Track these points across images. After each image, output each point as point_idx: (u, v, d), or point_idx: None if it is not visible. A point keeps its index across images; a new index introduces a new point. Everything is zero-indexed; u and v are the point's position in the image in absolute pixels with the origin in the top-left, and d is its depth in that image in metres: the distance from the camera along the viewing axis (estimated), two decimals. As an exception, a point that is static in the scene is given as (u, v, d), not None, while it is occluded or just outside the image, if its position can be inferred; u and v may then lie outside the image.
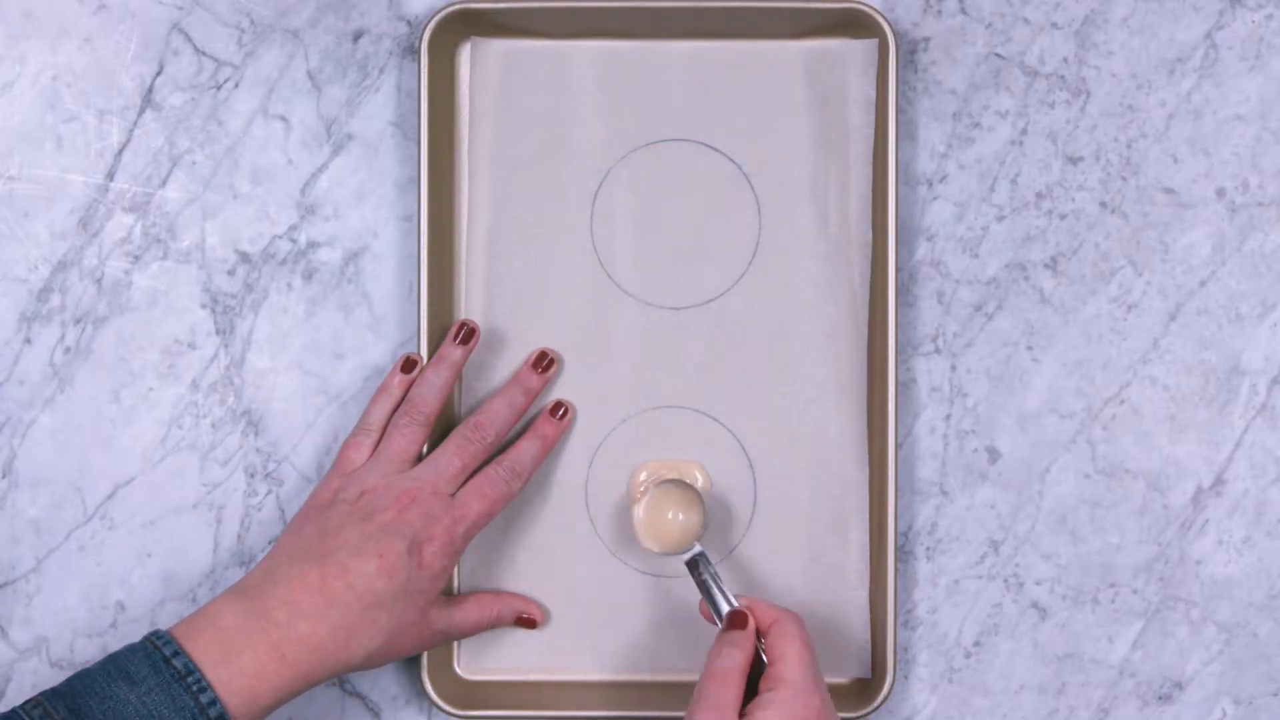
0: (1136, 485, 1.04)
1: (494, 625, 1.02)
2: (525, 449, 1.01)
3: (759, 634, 0.94)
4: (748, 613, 0.94)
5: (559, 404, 1.03)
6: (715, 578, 0.96)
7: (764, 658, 0.93)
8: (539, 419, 1.02)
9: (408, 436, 0.98)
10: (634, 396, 1.03)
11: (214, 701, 0.87)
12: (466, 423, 0.99)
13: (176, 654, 0.88)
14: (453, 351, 1.01)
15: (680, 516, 1.00)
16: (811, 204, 1.03)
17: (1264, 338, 1.04)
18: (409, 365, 1.01)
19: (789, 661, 0.91)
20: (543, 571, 1.04)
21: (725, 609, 0.95)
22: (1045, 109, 1.04)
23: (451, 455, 0.98)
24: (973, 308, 1.04)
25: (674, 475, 1.02)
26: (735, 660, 0.92)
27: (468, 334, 1.01)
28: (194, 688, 0.87)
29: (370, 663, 0.94)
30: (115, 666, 0.88)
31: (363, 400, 1.04)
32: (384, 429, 1.00)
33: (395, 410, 1.00)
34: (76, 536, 1.04)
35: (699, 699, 0.90)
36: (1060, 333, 1.04)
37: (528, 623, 1.03)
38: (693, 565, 0.97)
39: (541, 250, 1.03)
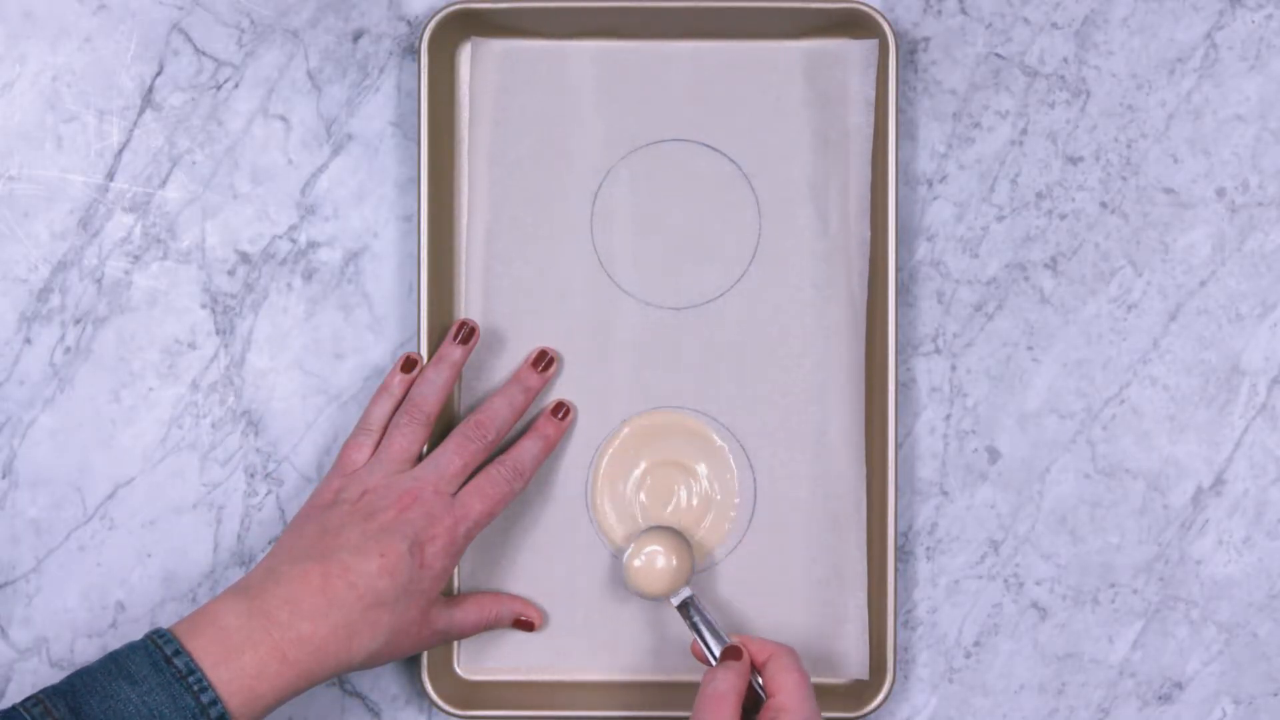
0: (1136, 485, 1.04)
1: (492, 626, 1.02)
2: (527, 449, 1.01)
3: (755, 669, 0.95)
4: (742, 647, 0.95)
5: (560, 404, 1.03)
6: (706, 619, 0.97)
7: (760, 693, 0.94)
8: (540, 419, 1.02)
9: (408, 436, 0.98)
10: (634, 397, 1.03)
11: (215, 701, 0.87)
12: (467, 422, 0.99)
13: (178, 653, 0.88)
14: (453, 351, 1.01)
15: (673, 562, 1.00)
16: (811, 204, 1.03)
17: (1264, 338, 1.04)
18: (409, 365, 1.01)
19: (789, 691, 0.92)
20: (543, 572, 1.04)
21: (721, 644, 0.96)
22: (1045, 109, 1.04)
23: (452, 454, 0.98)
24: (973, 308, 1.04)
25: (657, 525, 1.03)
26: (730, 683, 0.93)
27: (468, 333, 1.01)
28: (195, 687, 0.87)
29: (371, 662, 0.94)
30: (116, 665, 0.88)
31: (363, 400, 1.04)
32: (385, 429, 1.00)
33: (396, 410, 1.00)
34: (76, 536, 1.04)
35: None
36: (1060, 333, 1.04)
37: (526, 625, 1.03)
38: (684, 608, 0.98)
39: (541, 250, 1.03)
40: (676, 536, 1.01)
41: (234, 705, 0.88)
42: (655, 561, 1.00)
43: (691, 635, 0.97)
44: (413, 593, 0.94)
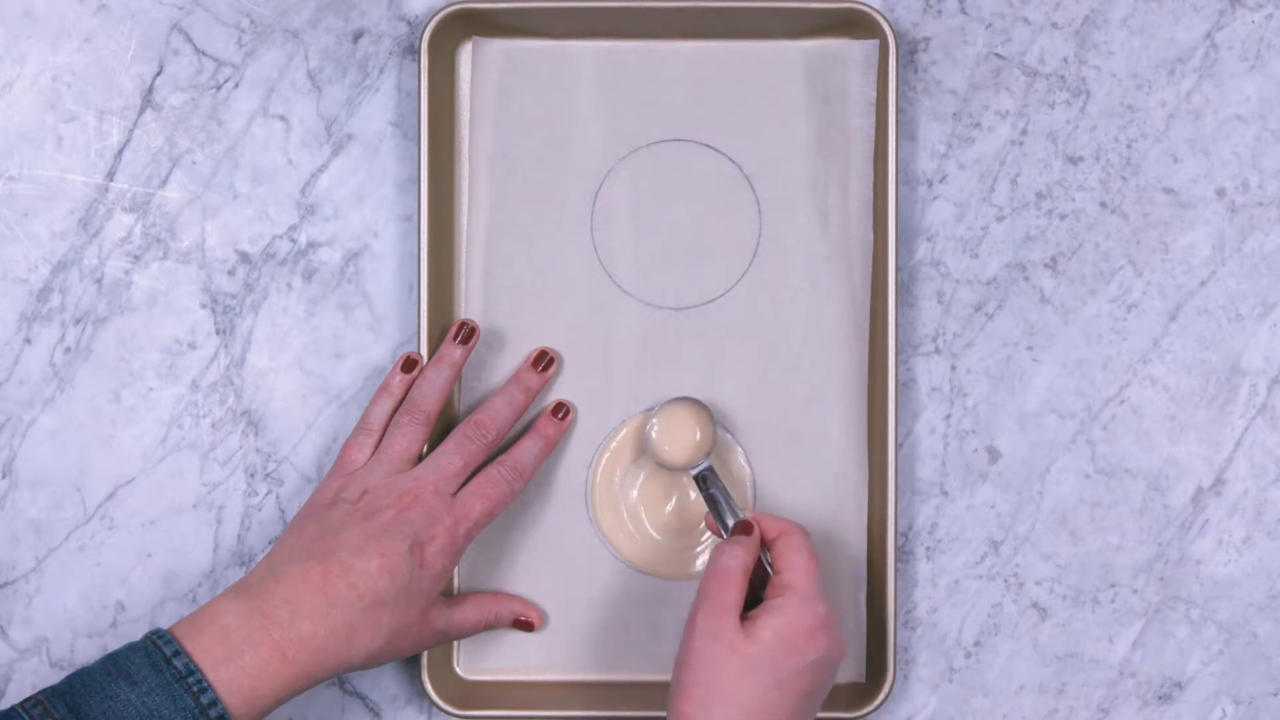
0: (1136, 485, 1.04)
1: (492, 626, 1.02)
2: (527, 449, 1.01)
3: (765, 545, 0.95)
4: (754, 522, 0.95)
5: (560, 404, 1.03)
6: (723, 491, 0.98)
7: (769, 569, 0.94)
8: (540, 419, 1.02)
9: (408, 436, 0.98)
10: (634, 397, 1.03)
11: (215, 702, 0.87)
12: (467, 422, 0.99)
13: (177, 654, 0.88)
14: (453, 351, 1.01)
15: (697, 434, 1.01)
16: (812, 204, 1.03)
17: (1264, 338, 1.04)
18: (409, 365, 1.01)
19: (796, 570, 0.93)
20: (543, 572, 1.04)
21: (731, 521, 0.97)
22: (1045, 109, 1.04)
23: (452, 454, 0.98)
24: (973, 308, 1.04)
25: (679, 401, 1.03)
26: (739, 559, 0.93)
27: (468, 334, 1.01)
28: (195, 688, 0.87)
29: (371, 662, 0.94)
30: (115, 665, 0.88)
31: (363, 400, 1.04)
32: (385, 428, 1.00)
33: (396, 410, 1.00)
34: (76, 536, 1.04)
35: (701, 597, 0.92)
36: (1060, 333, 1.04)
37: (525, 625, 1.03)
38: (701, 479, 0.99)
39: (541, 250, 1.03)
40: (699, 408, 1.01)
41: (234, 705, 0.88)
42: (678, 432, 1.01)
43: (706, 508, 0.98)
44: (413, 593, 0.94)
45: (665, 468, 1.01)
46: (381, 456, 0.98)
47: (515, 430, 1.02)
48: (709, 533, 1.03)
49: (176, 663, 0.88)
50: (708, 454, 1.00)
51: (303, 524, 0.96)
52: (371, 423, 1.00)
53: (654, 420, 1.01)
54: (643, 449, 1.03)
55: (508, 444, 1.02)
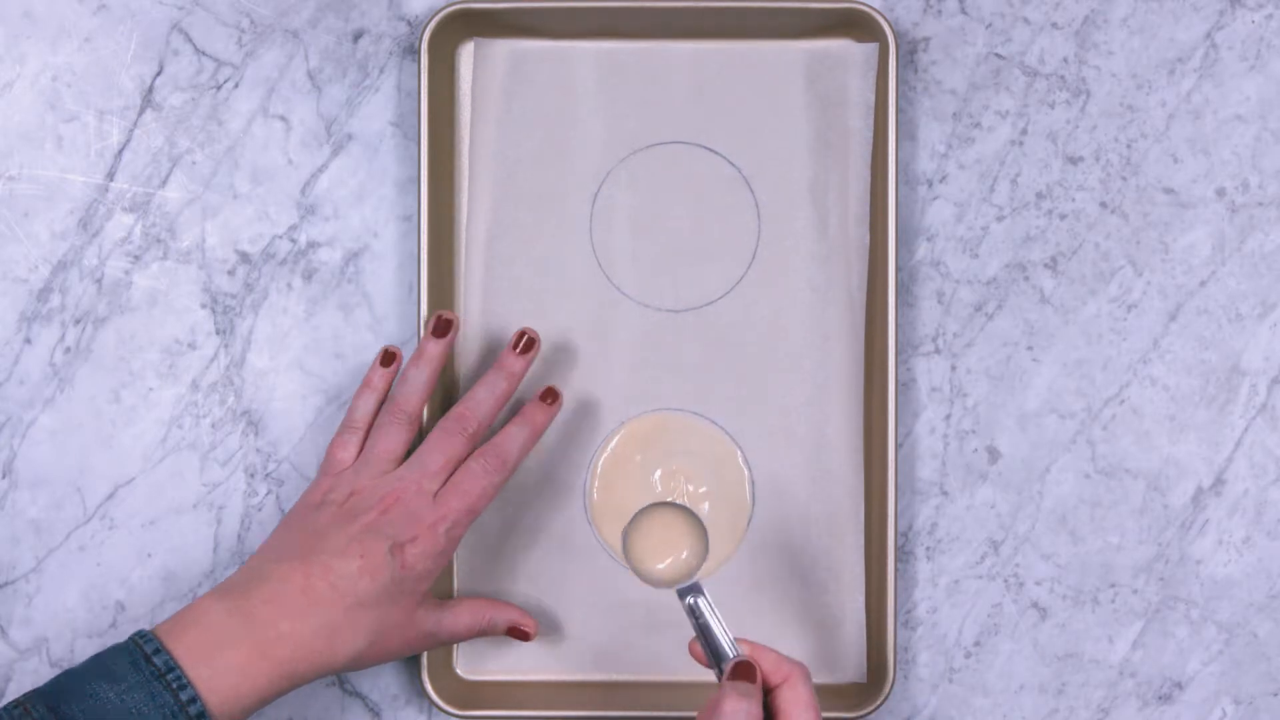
0: (1136, 485, 1.04)
1: (485, 633, 1.00)
2: (512, 436, 0.98)
3: (765, 688, 0.87)
4: (755, 664, 0.87)
5: (549, 390, 1.01)
6: (717, 622, 0.88)
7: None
8: (528, 405, 1.00)
9: (393, 436, 0.98)
10: (633, 398, 1.03)
11: (194, 699, 0.87)
12: (449, 415, 0.98)
13: (157, 651, 0.88)
14: (431, 346, 0.99)
15: (684, 553, 0.93)
16: (811, 207, 1.03)
17: (1264, 338, 1.04)
18: (388, 358, 1.00)
19: None
20: (542, 573, 1.04)
21: (728, 653, 0.88)
22: (1045, 109, 1.04)
23: (434, 451, 0.97)
24: (973, 308, 1.04)
25: (661, 496, 1.01)
26: (748, 714, 0.84)
27: (444, 326, 1.00)
28: (174, 685, 0.87)
29: (358, 663, 0.93)
30: (98, 665, 0.88)
31: (361, 400, 1.04)
32: (369, 425, 0.99)
33: (380, 404, 0.99)
34: (76, 536, 1.04)
35: None
36: (1060, 333, 1.04)
37: (521, 634, 1.01)
38: (690, 609, 0.88)
39: (541, 251, 1.03)
40: (685, 516, 0.94)
41: (213, 703, 0.88)
42: (658, 546, 0.93)
43: (693, 633, 0.89)
44: (395, 594, 0.94)
45: (648, 583, 0.92)
46: (368, 458, 0.97)
47: (503, 420, 1.01)
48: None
49: (156, 660, 0.88)
50: (694, 572, 0.91)
51: (289, 526, 0.96)
52: (356, 420, 0.99)
53: (628, 528, 0.94)
54: (641, 454, 1.03)
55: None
